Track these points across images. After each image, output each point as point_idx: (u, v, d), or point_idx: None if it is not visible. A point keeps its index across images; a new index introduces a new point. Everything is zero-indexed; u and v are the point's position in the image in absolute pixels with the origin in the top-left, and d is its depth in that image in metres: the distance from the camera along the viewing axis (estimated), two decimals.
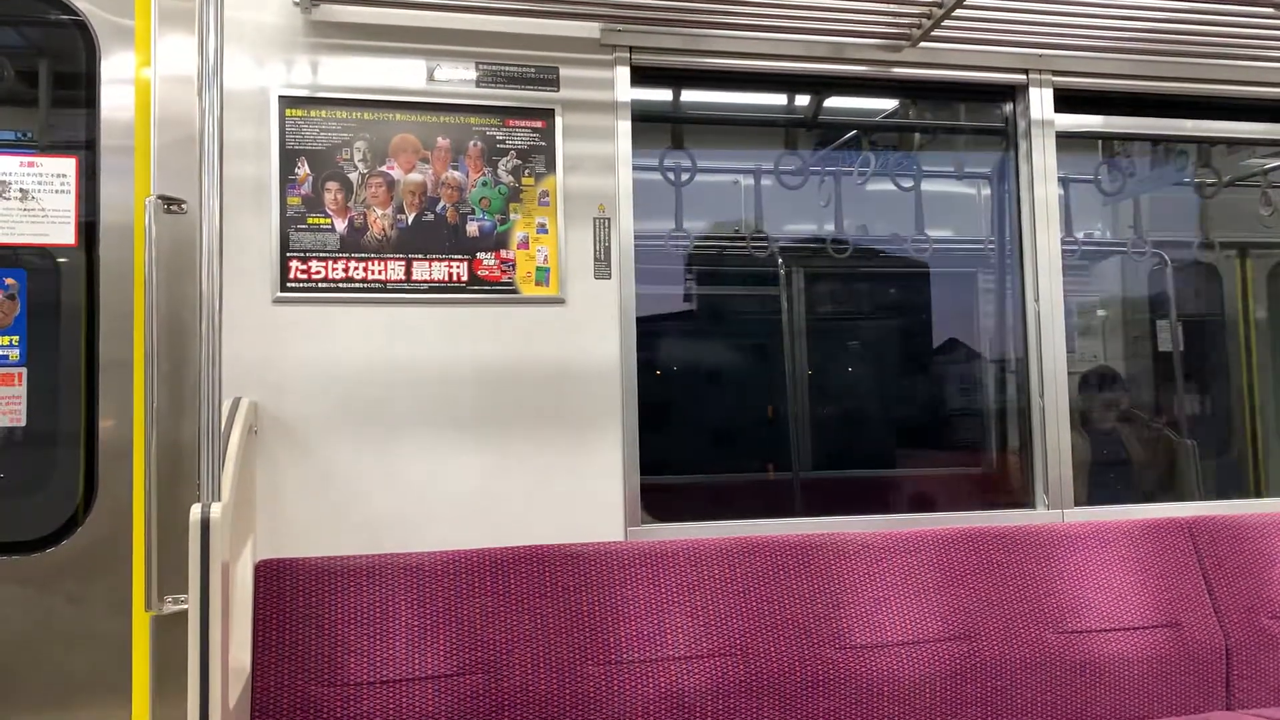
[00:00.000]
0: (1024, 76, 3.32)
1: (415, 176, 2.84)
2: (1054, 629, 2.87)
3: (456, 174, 2.86)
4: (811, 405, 4.25)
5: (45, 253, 2.66)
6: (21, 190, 2.61)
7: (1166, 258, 4.60)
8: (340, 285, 2.77)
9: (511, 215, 2.89)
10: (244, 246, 2.71)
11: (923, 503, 4.18)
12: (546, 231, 2.91)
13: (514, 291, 2.88)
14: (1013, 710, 2.78)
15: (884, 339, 4.54)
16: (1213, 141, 4.14)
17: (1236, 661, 2.96)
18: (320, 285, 2.76)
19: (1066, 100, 3.38)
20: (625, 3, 2.85)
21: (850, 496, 4.25)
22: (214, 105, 2.16)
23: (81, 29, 2.67)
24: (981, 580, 2.90)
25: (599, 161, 2.96)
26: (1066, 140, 3.43)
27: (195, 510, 2.07)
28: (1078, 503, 3.27)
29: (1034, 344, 3.31)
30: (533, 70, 2.93)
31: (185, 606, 2.15)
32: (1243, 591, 3.05)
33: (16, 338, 2.60)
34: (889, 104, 3.91)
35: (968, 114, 3.86)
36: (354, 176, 2.80)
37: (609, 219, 2.96)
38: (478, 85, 2.90)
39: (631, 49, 3.00)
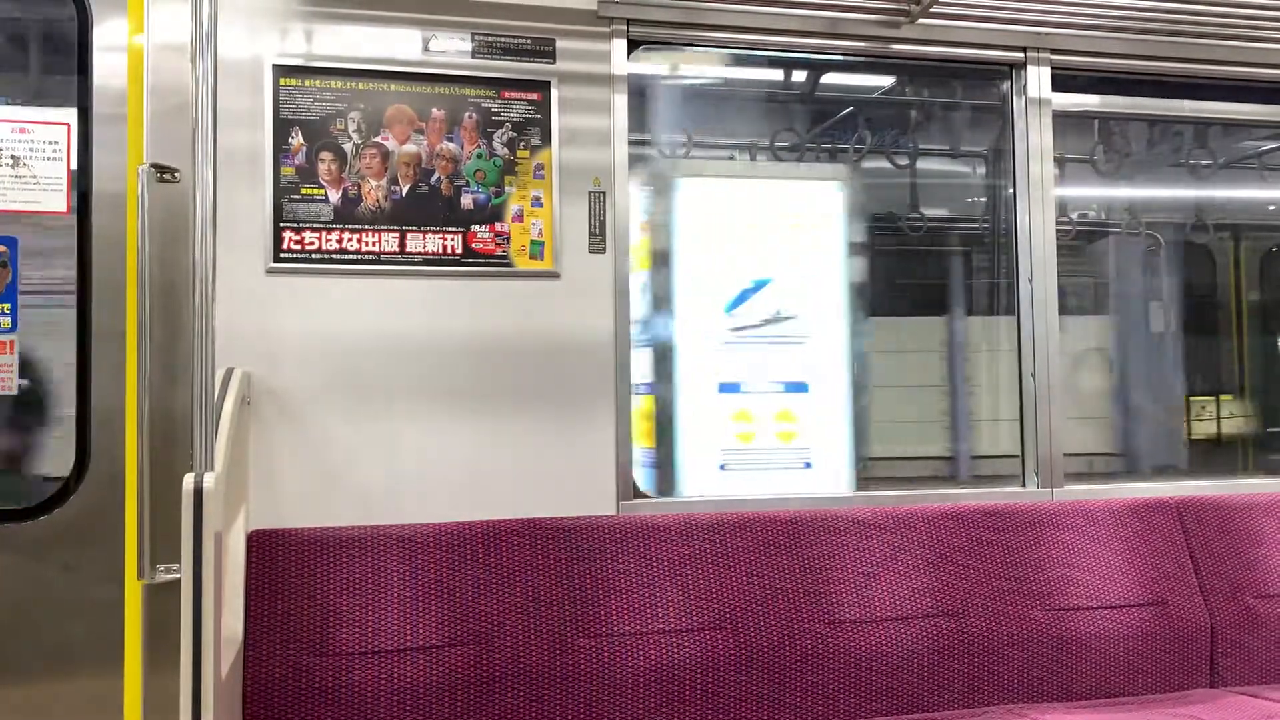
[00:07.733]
0: (1021, 54, 3.30)
1: (410, 148, 2.82)
2: (1041, 606, 2.89)
3: (451, 146, 2.85)
4: None
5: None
6: (13, 157, 2.59)
7: (1160, 239, 4.61)
8: (334, 256, 2.76)
9: (506, 188, 2.88)
10: (237, 216, 2.69)
11: None
12: (541, 205, 2.90)
13: (508, 265, 2.87)
14: (999, 685, 2.81)
15: None
16: (1210, 123, 4.14)
17: (1221, 640, 2.99)
18: (314, 256, 2.75)
19: (1064, 79, 3.37)
20: None
21: None
22: (207, 74, 2.14)
23: None
24: (970, 557, 2.91)
25: (595, 135, 2.95)
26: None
27: (188, 480, 2.07)
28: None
29: (1026, 323, 3.31)
30: (529, 42, 2.91)
31: (178, 576, 2.16)
32: (1228, 571, 3.07)
33: (8, 305, 2.59)
34: (885, 81, 3.90)
35: (964, 93, 3.85)
36: (348, 147, 2.78)
37: (604, 193, 2.95)
38: (473, 56, 2.88)
39: (629, 21, 2.98)
